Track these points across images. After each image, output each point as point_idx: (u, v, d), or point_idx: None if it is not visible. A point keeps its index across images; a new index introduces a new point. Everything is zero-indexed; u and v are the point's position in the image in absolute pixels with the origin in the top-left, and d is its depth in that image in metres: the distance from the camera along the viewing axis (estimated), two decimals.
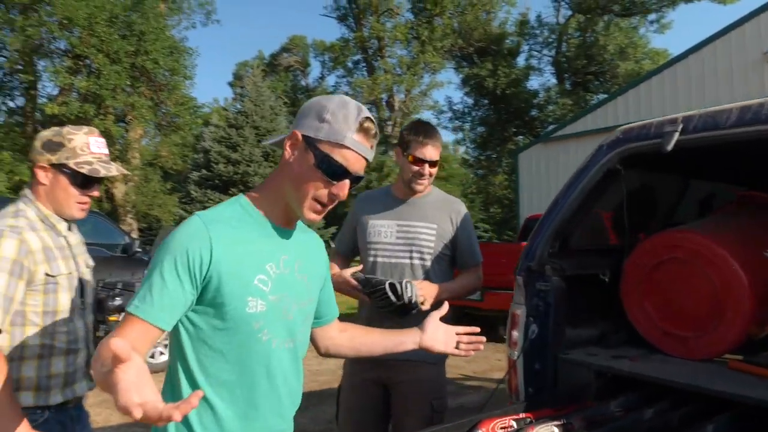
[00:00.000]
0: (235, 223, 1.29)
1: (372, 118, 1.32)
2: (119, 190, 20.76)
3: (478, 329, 1.65)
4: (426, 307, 2.21)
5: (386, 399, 2.47)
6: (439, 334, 1.63)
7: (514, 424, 1.87)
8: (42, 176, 1.78)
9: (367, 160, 1.32)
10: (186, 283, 1.20)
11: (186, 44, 21.15)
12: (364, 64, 30.88)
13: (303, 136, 1.29)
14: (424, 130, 2.41)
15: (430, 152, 2.37)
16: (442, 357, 2.46)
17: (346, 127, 1.28)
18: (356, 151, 1.29)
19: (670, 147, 2.14)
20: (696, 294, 2.34)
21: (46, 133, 1.83)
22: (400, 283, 2.17)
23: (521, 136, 30.68)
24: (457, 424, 1.81)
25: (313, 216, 1.33)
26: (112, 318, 7.84)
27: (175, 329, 1.26)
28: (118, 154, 20.12)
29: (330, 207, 1.34)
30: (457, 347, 1.63)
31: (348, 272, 2.34)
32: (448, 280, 2.47)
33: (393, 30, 28.20)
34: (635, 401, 2.10)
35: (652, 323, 2.49)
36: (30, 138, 17.36)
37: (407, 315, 2.21)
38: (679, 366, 2.24)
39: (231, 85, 43.44)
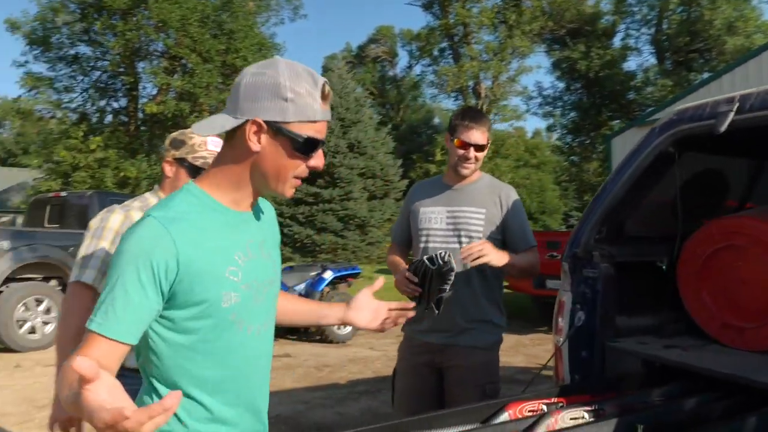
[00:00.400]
0: (194, 217, 1.20)
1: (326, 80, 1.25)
2: None
3: (412, 304, 1.65)
4: (483, 260, 2.19)
5: (440, 383, 2.49)
6: (365, 311, 1.60)
7: (545, 407, 1.86)
8: (167, 169, 2.06)
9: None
10: (151, 293, 1.12)
11: (275, 40, 21.95)
12: (449, 52, 30.61)
13: (267, 122, 1.18)
14: (471, 115, 2.43)
15: (476, 136, 2.38)
16: (495, 343, 2.48)
17: (312, 100, 1.19)
18: (325, 120, 1.24)
19: (723, 128, 2.04)
20: (755, 282, 2.21)
21: (174, 134, 2.11)
22: (438, 254, 2.16)
23: (617, 121, 29.32)
24: (485, 405, 1.83)
25: (292, 192, 1.29)
26: None
27: (144, 339, 1.18)
28: None
29: None
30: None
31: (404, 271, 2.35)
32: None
33: (479, 15, 27.71)
34: (678, 391, 2.02)
35: (709, 313, 2.38)
36: (133, 136, 18.68)
37: (445, 286, 2.16)
38: (731, 357, 2.13)
39: None
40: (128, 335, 1.10)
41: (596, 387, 2.07)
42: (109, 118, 19.33)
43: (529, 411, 1.85)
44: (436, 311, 2.17)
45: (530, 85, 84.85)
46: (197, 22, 16.42)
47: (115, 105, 19.53)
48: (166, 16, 15.58)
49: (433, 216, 2.49)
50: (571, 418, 1.78)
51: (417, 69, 38.25)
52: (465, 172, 2.44)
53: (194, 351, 1.20)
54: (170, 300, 1.15)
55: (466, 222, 2.44)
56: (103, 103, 19.18)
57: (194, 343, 1.20)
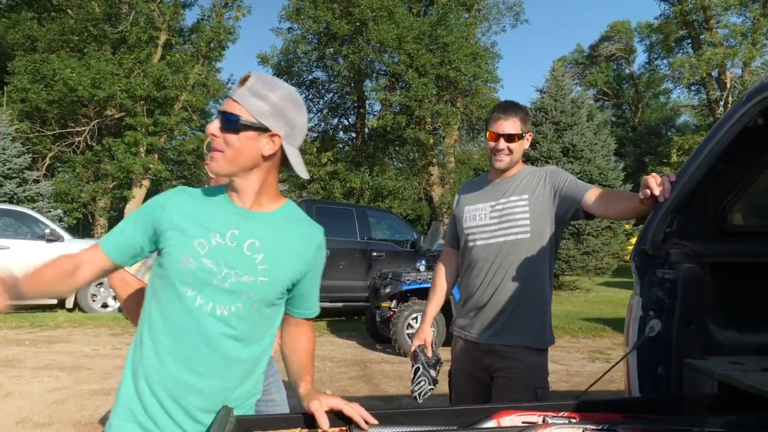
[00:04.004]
0: (199, 198, 1.46)
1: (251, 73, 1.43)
2: (436, 193, 22.64)
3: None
4: None
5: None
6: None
7: (540, 421, 1.63)
8: None
9: (233, 99, 1.44)
10: (138, 229, 1.44)
11: (495, 49, 22.01)
12: (688, 41, 27.28)
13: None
14: (502, 106, 2.36)
15: (505, 126, 2.31)
16: (547, 343, 2.32)
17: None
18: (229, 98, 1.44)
19: None
20: None
21: None
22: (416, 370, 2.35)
23: None
24: (473, 409, 1.67)
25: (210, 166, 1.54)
26: (384, 304, 8.75)
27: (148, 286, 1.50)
28: (436, 160, 22.03)
29: (220, 151, 1.43)
30: None
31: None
32: (554, 245, 2.32)
33: None
34: (745, 423, 1.58)
35: None
36: (359, 150, 20.29)
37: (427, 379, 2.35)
38: None
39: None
40: (111, 251, 1.45)
41: (627, 405, 1.73)
42: (340, 134, 21.37)
43: (523, 422, 1.63)
44: (418, 400, 2.30)
45: None
46: (413, 39, 17.26)
47: (345, 122, 21.47)
48: (384, 36, 16.69)
49: (477, 213, 2.40)
50: None
51: (658, 64, 34.88)
52: (498, 164, 2.35)
53: (159, 302, 1.43)
54: (157, 248, 1.46)
55: (509, 212, 2.31)
56: (335, 121, 21.24)
57: (161, 294, 1.42)
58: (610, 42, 39.87)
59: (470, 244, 2.40)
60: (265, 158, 1.40)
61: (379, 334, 7.96)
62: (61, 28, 20.54)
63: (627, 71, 40.65)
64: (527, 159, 16.27)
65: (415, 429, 1.57)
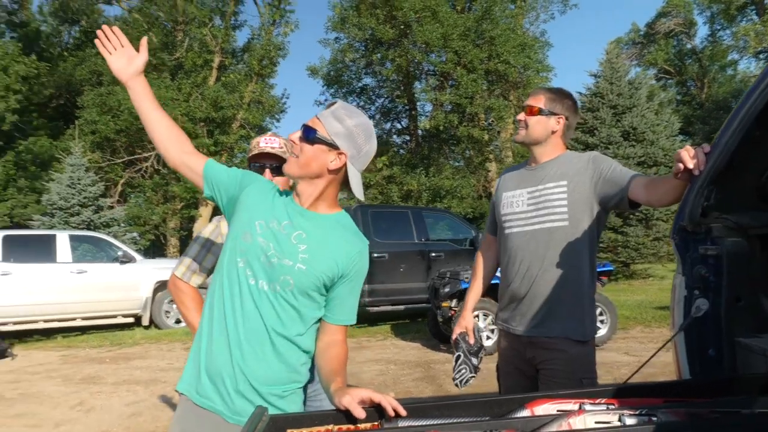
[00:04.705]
0: (270, 192, 1.71)
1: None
2: None
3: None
4: None
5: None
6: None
7: (576, 408, 1.58)
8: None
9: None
10: (233, 181, 1.71)
11: (544, 38, 21.53)
12: (752, 7, 25.79)
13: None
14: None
15: (527, 101, 2.33)
16: (589, 335, 2.24)
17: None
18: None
19: None
20: None
21: None
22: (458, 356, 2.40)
23: None
24: (507, 398, 1.65)
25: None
26: (445, 304, 8.71)
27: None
28: (493, 156, 21.73)
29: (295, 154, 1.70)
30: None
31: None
32: (594, 234, 2.23)
33: None
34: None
35: None
36: (413, 153, 20.30)
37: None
38: None
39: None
40: (209, 166, 1.71)
41: (669, 389, 1.65)
42: (393, 138, 21.44)
43: (558, 410, 1.59)
44: (459, 387, 2.35)
45: None
46: (459, 36, 17.14)
47: (398, 126, 21.53)
48: (429, 36, 16.65)
49: (515, 199, 2.36)
50: (596, 422, 1.49)
51: (721, 35, 33.17)
52: (516, 137, 2.37)
53: (220, 268, 1.68)
54: (229, 207, 1.71)
55: (547, 199, 2.25)
56: (387, 125, 21.34)
57: (221, 261, 1.68)
58: (668, 17, 38.05)
59: (506, 231, 2.36)
60: (329, 171, 1.62)
61: (442, 335, 7.91)
62: None
63: (688, 46, 38.76)
64: (587, 146, 15.83)
65: (447, 421, 1.57)
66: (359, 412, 1.46)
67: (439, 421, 1.56)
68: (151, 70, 21.20)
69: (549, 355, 2.22)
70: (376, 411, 1.51)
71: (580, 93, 17.03)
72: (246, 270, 1.62)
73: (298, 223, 1.64)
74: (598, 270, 7.88)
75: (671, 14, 38.00)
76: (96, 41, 1.76)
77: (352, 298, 1.71)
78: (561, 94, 2.32)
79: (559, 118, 2.30)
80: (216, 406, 1.64)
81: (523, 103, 2.33)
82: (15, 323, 9.15)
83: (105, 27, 1.77)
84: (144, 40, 1.75)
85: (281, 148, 2.32)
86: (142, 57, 1.74)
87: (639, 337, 7.99)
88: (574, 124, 2.36)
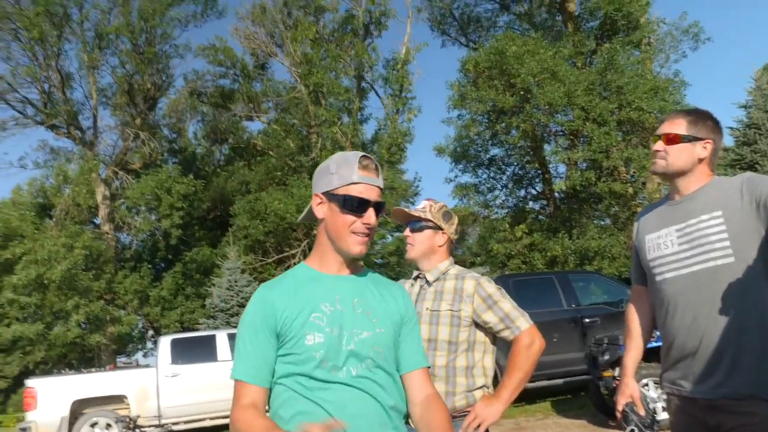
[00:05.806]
0: (290, 284, 1.57)
1: (369, 156, 1.57)
2: None
3: None
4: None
5: None
6: None
7: None
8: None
9: (378, 187, 1.57)
10: (261, 341, 1.50)
11: (679, 77, 20.22)
12: None
13: (322, 194, 1.58)
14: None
15: (663, 127, 2.06)
16: None
17: (350, 168, 1.54)
18: (365, 183, 1.54)
19: None
20: None
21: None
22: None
23: None
24: None
25: (358, 249, 1.54)
26: (606, 373, 7.99)
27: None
28: (640, 209, 20.25)
29: (370, 236, 1.57)
30: None
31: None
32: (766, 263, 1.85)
33: None
34: None
35: None
36: (553, 217, 19.51)
37: None
38: None
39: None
40: (259, 378, 1.47)
41: None
42: (530, 204, 20.86)
43: None
44: None
45: None
46: (583, 91, 16.62)
47: (533, 192, 20.97)
48: (551, 97, 16.32)
49: (661, 241, 2.04)
50: None
51: None
52: (652, 168, 2.09)
53: (290, 390, 1.47)
54: (280, 339, 1.50)
55: (702, 234, 1.93)
56: (521, 192, 20.85)
57: (291, 383, 1.47)
58: None
59: (658, 278, 2.04)
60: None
61: (608, 408, 7.12)
62: (266, 168, 23.64)
63: None
64: None
65: None
66: None
67: None
68: (291, 173, 22.80)
69: (738, 419, 1.82)
70: None
71: (731, 128, 15.57)
72: (332, 368, 1.47)
73: (344, 291, 1.57)
74: None
75: None
76: None
77: (418, 339, 1.66)
78: (702, 116, 2.03)
79: (705, 143, 2.00)
80: None
81: (658, 132, 2.05)
82: (186, 422, 9.69)
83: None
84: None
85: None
86: None
87: None
88: (721, 146, 2.04)
